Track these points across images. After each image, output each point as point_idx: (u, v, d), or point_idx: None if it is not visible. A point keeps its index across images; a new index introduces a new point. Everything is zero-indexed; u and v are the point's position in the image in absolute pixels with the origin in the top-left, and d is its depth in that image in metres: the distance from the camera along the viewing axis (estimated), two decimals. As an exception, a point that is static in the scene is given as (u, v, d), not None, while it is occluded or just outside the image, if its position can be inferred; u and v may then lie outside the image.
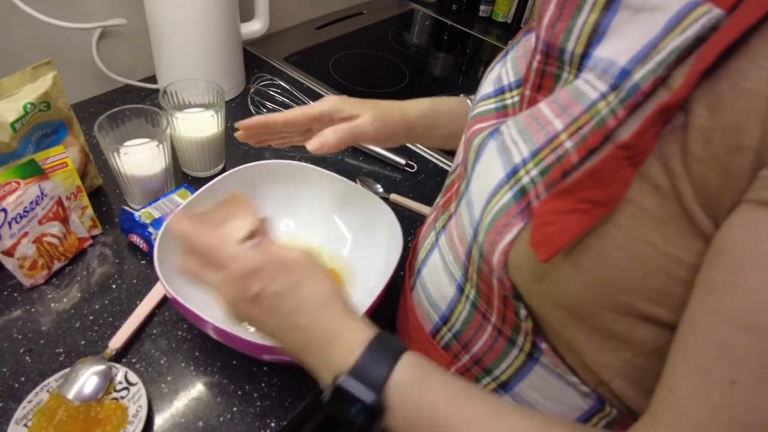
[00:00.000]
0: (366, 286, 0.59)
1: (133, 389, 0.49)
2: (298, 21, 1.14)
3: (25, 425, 0.45)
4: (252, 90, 0.87)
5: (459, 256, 0.38)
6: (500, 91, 0.39)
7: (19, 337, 0.52)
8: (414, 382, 0.33)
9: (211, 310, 0.55)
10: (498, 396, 0.39)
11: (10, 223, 0.52)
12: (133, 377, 0.49)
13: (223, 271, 0.37)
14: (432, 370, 0.34)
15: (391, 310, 0.60)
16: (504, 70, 0.39)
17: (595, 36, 0.30)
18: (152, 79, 0.87)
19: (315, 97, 0.90)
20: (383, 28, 1.21)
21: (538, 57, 0.34)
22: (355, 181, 0.72)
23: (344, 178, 0.63)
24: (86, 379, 0.48)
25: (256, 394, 0.51)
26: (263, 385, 0.51)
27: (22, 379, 0.49)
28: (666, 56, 0.25)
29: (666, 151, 0.25)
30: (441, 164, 0.82)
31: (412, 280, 0.48)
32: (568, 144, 0.29)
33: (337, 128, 0.49)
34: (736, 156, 0.23)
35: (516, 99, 0.37)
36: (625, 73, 0.27)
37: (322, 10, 1.18)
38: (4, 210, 0.51)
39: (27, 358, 0.51)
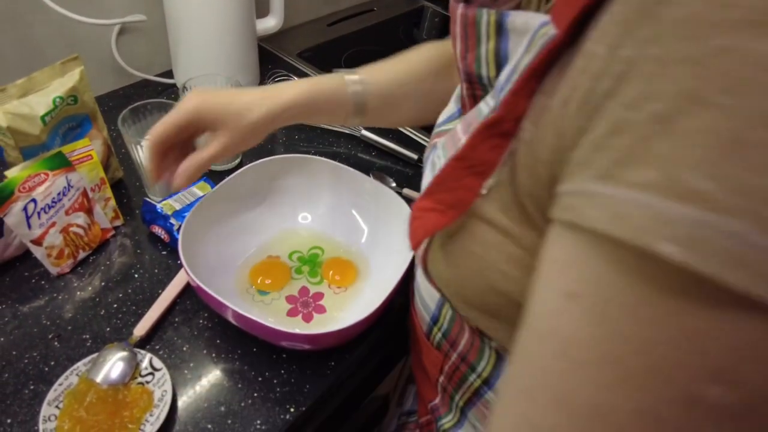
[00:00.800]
0: (381, 279, 0.60)
1: (158, 374, 0.50)
2: (310, 17, 1.15)
3: (57, 407, 0.47)
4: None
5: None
6: (461, 112, 0.41)
7: (48, 323, 0.54)
8: None
9: (232, 297, 0.57)
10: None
11: (39, 213, 0.53)
12: (157, 363, 0.51)
13: None
14: None
15: (403, 303, 0.61)
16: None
17: (500, 59, 0.32)
18: (169, 74, 0.89)
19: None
20: (394, 24, 1.22)
21: (464, 85, 0.37)
22: (369, 176, 0.73)
23: (359, 172, 0.64)
24: (113, 364, 0.50)
25: (275, 380, 0.52)
26: (283, 371, 0.53)
27: (52, 363, 0.51)
28: (519, 76, 0.26)
29: (513, 165, 0.27)
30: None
31: (413, 283, 0.50)
32: None
33: (188, 166, 0.47)
34: (542, 168, 0.24)
35: None
36: (500, 91, 0.29)
37: (333, 7, 1.19)
38: (34, 200, 0.53)
39: (56, 343, 0.53)
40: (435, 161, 0.37)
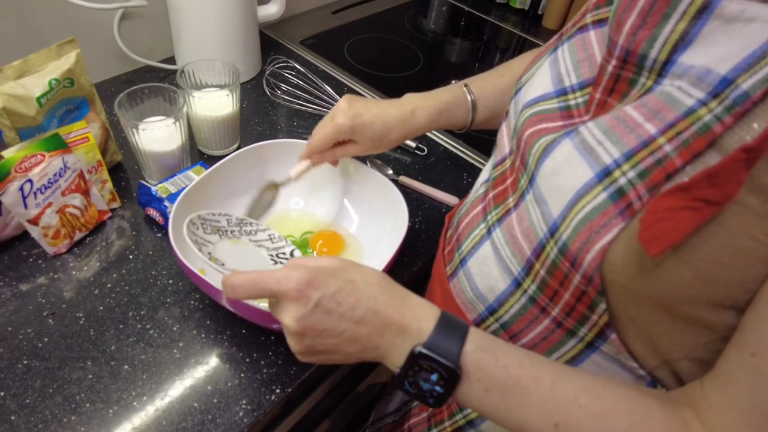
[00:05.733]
0: (371, 265, 0.60)
1: None
2: (315, 5, 1.15)
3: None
4: (267, 72, 0.89)
5: (521, 251, 0.39)
6: (562, 92, 0.40)
7: (43, 301, 0.55)
8: (485, 349, 0.36)
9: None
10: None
11: (35, 194, 0.54)
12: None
13: (281, 299, 0.37)
14: (497, 339, 0.38)
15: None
16: (565, 71, 0.40)
17: (680, 44, 0.31)
18: (171, 60, 0.89)
19: (329, 80, 0.91)
20: (400, 13, 1.21)
21: (614, 62, 0.35)
22: (366, 163, 0.73)
23: (354, 159, 0.64)
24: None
25: (263, 362, 0.53)
26: (270, 353, 0.54)
27: (45, 339, 0.52)
28: None
29: None
30: (452, 148, 0.83)
31: (451, 267, 0.49)
32: (668, 148, 0.30)
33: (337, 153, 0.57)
34: None
35: (580, 100, 0.38)
36: (726, 82, 0.28)
37: (339, -5, 1.19)
38: (30, 180, 0.54)
39: (50, 320, 0.54)
40: (593, 147, 0.34)
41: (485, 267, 0.43)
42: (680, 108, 0.30)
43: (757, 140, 0.27)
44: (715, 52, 0.29)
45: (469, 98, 0.59)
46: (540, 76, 0.43)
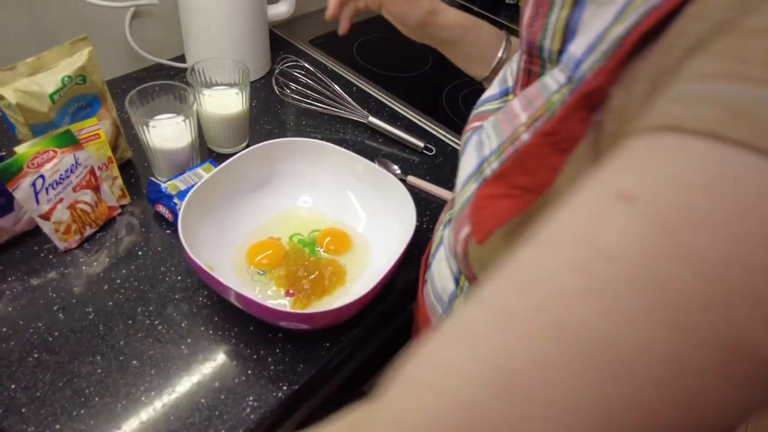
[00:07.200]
0: (379, 263, 0.60)
1: None
2: (324, 4, 1.15)
3: None
4: (277, 71, 0.89)
5: (456, 247, 0.40)
6: (505, 93, 0.40)
7: (54, 295, 0.56)
8: None
9: (230, 277, 0.58)
10: None
11: (47, 189, 0.55)
12: None
13: None
14: None
15: (405, 288, 0.61)
16: (509, 71, 0.40)
17: (568, 32, 0.31)
18: (181, 58, 0.90)
19: (338, 79, 0.91)
20: (408, 13, 1.21)
21: (523, 57, 0.35)
22: (374, 162, 0.73)
23: (362, 158, 0.64)
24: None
25: (270, 359, 0.53)
26: (278, 350, 0.54)
27: (56, 333, 0.53)
28: (608, 46, 0.25)
29: (597, 136, 0.25)
30: (460, 148, 0.82)
31: (424, 273, 0.49)
32: (525, 136, 0.30)
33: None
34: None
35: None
36: (578, 64, 0.27)
37: (348, -6, 1.19)
38: (42, 176, 0.54)
39: (60, 315, 0.54)
40: (483, 141, 0.35)
41: (441, 267, 0.43)
42: (546, 94, 0.30)
43: (552, 123, 0.26)
44: (587, 37, 0.28)
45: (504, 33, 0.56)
46: (496, 79, 0.43)
